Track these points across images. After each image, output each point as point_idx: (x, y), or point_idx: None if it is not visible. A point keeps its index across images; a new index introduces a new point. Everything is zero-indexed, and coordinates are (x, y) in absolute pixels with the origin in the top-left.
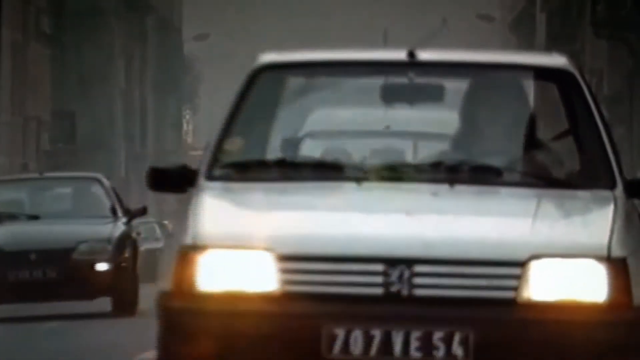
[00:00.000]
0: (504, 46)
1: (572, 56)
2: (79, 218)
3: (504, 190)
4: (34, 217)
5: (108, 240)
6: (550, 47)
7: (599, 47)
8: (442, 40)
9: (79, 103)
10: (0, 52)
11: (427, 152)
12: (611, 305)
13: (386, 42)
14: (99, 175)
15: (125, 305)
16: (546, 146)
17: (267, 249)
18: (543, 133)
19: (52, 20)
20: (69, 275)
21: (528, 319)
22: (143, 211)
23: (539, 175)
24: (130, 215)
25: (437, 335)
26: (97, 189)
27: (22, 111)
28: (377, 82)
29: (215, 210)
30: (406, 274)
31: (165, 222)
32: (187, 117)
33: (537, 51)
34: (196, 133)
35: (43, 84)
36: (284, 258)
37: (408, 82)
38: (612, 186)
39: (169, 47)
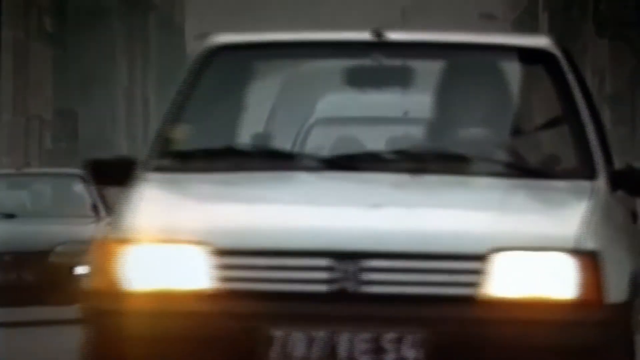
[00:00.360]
0: None
1: (575, 55)
2: (58, 217)
3: (472, 180)
4: (10, 216)
5: (89, 242)
6: None
7: (601, 47)
8: None
9: (81, 102)
10: (1, 52)
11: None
12: (581, 303)
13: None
14: (81, 172)
15: None
16: (526, 133)
17: (201, 243)
18: (533, 119)
19: (54, 19)
20: (46, 280)
21: (488, 317)
22: None
23: (513, 164)
24: None
25: (388, 337)
26: (78, 187)
27: (24, 110)
28: (346, 64)
29: (150, 202)
30: (355, 269)
31: None
32: None
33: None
34: None
35: (45, 83)
36: (220, 252)
37: (374, 64)
38: (592, 176)
39: (171, 46)
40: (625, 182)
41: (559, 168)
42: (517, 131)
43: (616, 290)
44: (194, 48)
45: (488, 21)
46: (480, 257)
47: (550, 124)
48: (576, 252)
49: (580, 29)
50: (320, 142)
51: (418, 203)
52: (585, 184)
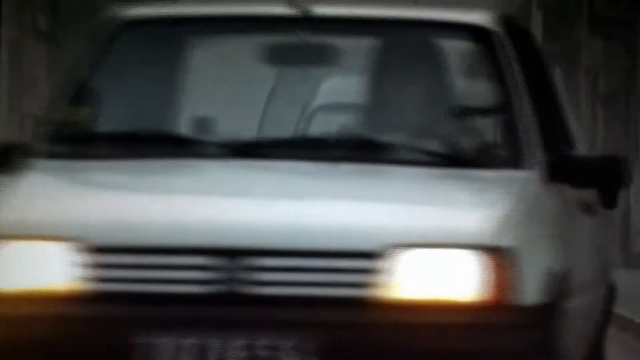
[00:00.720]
0: None
1: (569, 54)
2: None
3: (388, 170)
4: None
5: None
6: (546, 44)
7: (595, 46)
8: None
9: None
10: (0, 50)
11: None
12: (487, 305)
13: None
14: None
15: None
16: (459, 119)
17: (70, 239)
18: (472, 102)
19: (49, 17)
20: None
21: (385, 321)
22: None
23: (437, 152)
24: None
25: (272, 344)
26: None
27: (19, 109)
28: (266, 40)
29: (22, 193)
30: (239, 268)
31: None
32: None
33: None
34: None
35: (40, 82)
36: (92, 250)
37: (296, 40)
38: (523, 166)
39: None
40: (564, 173)
41: (489, 157)
42: (449, 116)
43: (532, 291)
44: None
45: None
46: (377, 255)
47: (486, 109)
48: (483, 249)
49: (574, 28)
50: (325, 130)
51: (318, 195)
52: (514, 174)
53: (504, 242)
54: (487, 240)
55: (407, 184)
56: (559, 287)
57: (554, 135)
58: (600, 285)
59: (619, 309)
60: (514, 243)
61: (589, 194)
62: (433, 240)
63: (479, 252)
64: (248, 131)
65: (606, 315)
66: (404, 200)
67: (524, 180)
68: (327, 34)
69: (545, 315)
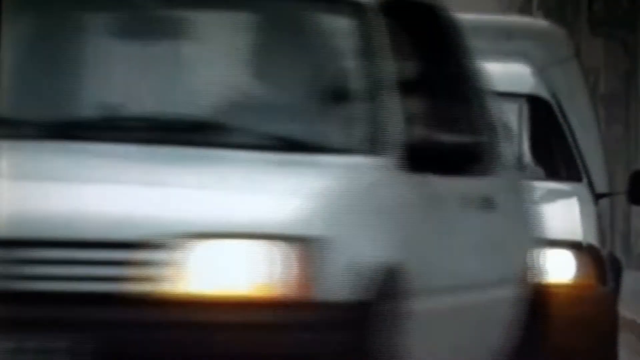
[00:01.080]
0: None
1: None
2: None
3: (210, 154)
4: None
5: None
6: None
7: (595, 46)
8: None
9: None
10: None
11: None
12: (286, 302)
13: None
14: None
15: None
16: (318, 100)
17: None
18: (346, 83)
19: None
20: None
21: (167, 320)
22: None
23: (277, 135)
24: None
25: (31, 345)
26: None
27: None
28: (115, 14)
29: None
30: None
31: None
32: None
33: None
34: None
35: None
36: None
37: (147, 14)
38: (374, 153)
39: None
40: (419, 161)
41: (336, 142)
42: (302, 97)
43: (342, 288)
44: None
45: None
46: (162, 246)
47: (346, 91)
48: (281, 239)
49: (575, 29)
50: None
51: (101, 180)
52: (357, 161)
53: (307, 232)
54: (286, 231)
55: (219, 169)
56: (388, 285)
57: (430, 122)
58: (502, 286)
59: (621, 310)
60: (321, 234)
61: (487, 186)
62: (224, 230)
63: (277, 243)
64: (70, 110)
65: (530, 317)
66: (201, 187)
67: (365, 168)
68: (184, 6)
69: (359, 314)
